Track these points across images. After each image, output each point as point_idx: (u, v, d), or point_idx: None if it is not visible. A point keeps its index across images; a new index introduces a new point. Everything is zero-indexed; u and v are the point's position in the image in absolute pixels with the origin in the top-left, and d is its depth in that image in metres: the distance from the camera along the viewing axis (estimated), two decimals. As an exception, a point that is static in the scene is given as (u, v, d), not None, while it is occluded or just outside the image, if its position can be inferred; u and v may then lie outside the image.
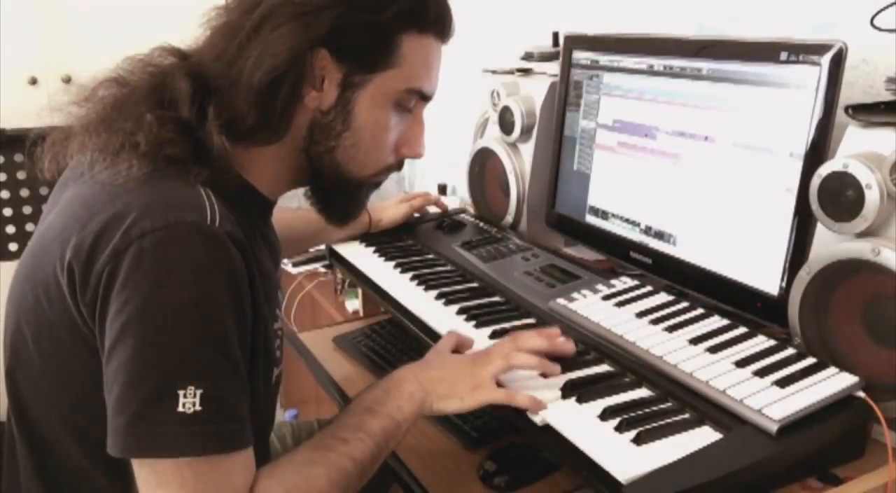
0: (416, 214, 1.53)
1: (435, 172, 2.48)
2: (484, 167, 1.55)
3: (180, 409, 0.70)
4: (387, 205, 1.49)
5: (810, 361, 0.87)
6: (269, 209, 0.94)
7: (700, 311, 1.01)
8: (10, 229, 2.45)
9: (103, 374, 0.73)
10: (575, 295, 1.09)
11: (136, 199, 0.74)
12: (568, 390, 0.89)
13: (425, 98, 0.91)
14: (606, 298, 1.08)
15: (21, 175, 2.42)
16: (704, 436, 0.80)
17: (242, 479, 0.74)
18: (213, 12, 0.87)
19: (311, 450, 0.81)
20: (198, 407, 0.70)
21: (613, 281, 1.13)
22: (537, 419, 0.85)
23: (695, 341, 0.94)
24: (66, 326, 0.76)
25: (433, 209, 1.57)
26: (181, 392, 0.70)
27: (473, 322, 1.08)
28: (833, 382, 0.83)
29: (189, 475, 0.71)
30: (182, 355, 0.71)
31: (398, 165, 0.94)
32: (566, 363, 0.95)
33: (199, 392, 0.70)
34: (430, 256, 1.35)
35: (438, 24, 0.88)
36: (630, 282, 1.12)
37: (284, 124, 0.84)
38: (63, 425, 0.80)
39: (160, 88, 0.83)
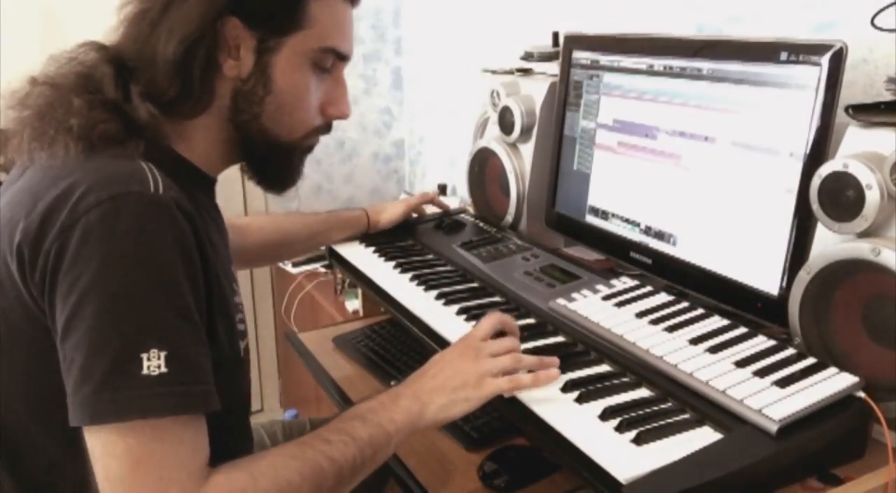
0: (415, 215, 1.53)
1: (435, 172, 2.48)
2: (484, 167, 1.55)
3: (145, 372, 0.70)
4: (385, 206, 1.49)
5: (810, 361, 0.87)
6: (211, 185, 0.95)
7: (700, 311, 1.01)
8: None
9: (59, 351, 0.74)
10: (575, 295, 1.09)
11: (78, 177, 0.75)
12: (568, 390, 0.89)
13: (342, 57, 0.93)
14: (606, 298, 1.08)
15: None
16: (704, 436, 0.80)
17: (190, 454, 0.73)
18: (125, 3, 0.88)
19: (289, 445, 0.80)
20: (163, 369, 0.71)
21: (613, 281, 1.13)
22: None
23: (695, 341, 0.94)
24: (20, 310, 0.76)
25: (432, 209, 1.57)
26: (144, 355, 0.70)
27: (474, 322, 1.08)
28: (833, 382, 0.83)
29: (135, 439, 0.70)
30: (141, 320, 0.71)
31: (326, 127, 0.96)
32: (567, 364, 0.95)
33: (162, 354, 0.71)
34: (430, 256, 1.35)
35: None
36: (630, 282, 1.12)
37: (206, 94, 0.86)
38: (27, 413, 0.80)
39: (86, 78, 0.85)
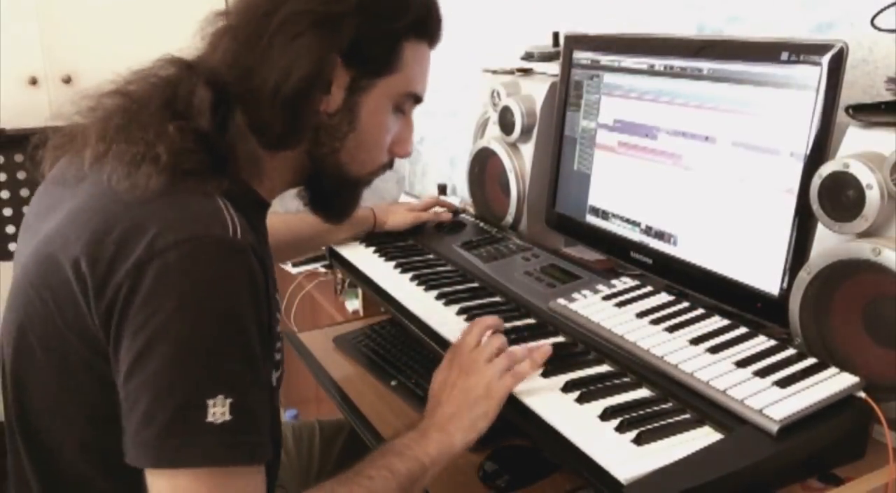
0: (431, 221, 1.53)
1: (435, 172, 2.48)
2: (484, 167, 1.55)
3: (209, 419, 0.70)
4: (394, 209, 1.49)
5: (811, 361, 0.87)
6: (266, 211, 0.95)
7: (700, 311, 1.01)
8: (11, 229, 2.45)
9: (120, 388, 0.73)
10: (575, 295, 1.09)
11: (156, 211, 0.74)
12: (568, 390, 0.89)
13: (419, 101, 0.95)
14: (607, 298, 1.08)
15: (21, 175, 2.42)
16: (705, 436, 0.80)
17: None
18: (214, 18, 0.87)
19: (336, 484, 0.80)
20: (227, 417, 0.70)
21: (614, 281, 1.13)
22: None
23: (695, 341, 0.94)
24: (77, 333, 0.75)
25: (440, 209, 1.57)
26: (210, 402, 0.70)
27: (474, 322, 1.08)
28: (833, 382, 0.83)
29: (206, 486, 0.70)
30: (210, 366, 0.71)
31: (390, 164, 0.97)
32: (567, 364, 0.95)
33: (228, 402, 0.70)
34: (431, 256, 1.35)
35: (436, 32, 0.93)
36: (630, 282, 1.12)
37: (306, 130, 0.86)
38: (67, 431, 0.80)
39: (173, 97, 0.83)
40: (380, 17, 0.84)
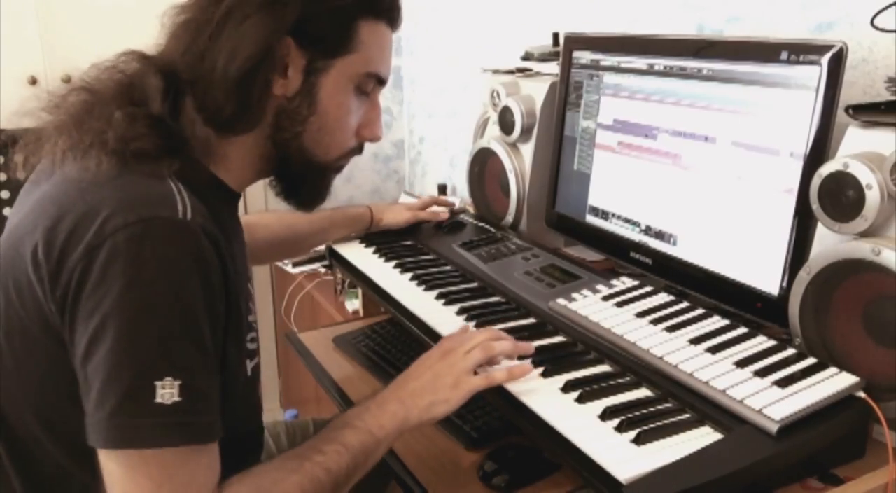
0: (431, 220, 1.53)
1: (435, 172, 2.48)
2: (484, 167, 1.55)
3: (158, 400, 0.71)
4: (392, 207, 1.50)
5: (810, 361, 0.87)
6: (236, 202, 0.95)
7: (700, 311, 1.01)
8: (8, 226, 2.45)
9: (78, 372, 0.74)
10: (575, 295, 1.09)
11: (106, 195, 0.75)
12: (568, 390, 0.89)
13: (382, 82, 0.94)
14: (606, 298, 1.08)
15: (21, 175, 2.42)
16: (705, 436, 0.80)
17: (206, 476, 0.75)
18: (172, 11, 0.88)
19: (287, 459, 0.82)
20: (176, 398, 0.71)
21: (613, 281, 1.13)
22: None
23: (695, 341, 0.94)
24: (38, 323, 0.76)
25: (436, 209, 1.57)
26: (158, 383, 0.71)
27: (474, 322, 1.08)
28: (833, 382, 0.83)
29: (155, 467, 0.72)
30: (159, 348, 0.72)
31: (359, 148, 0.97)
32: (567, 363, 0.95)
33: (176, 383, 0.72)
34: (430, 256, 1.35)
35: (392, 11, 0.92)
36: (630, 282, 1.12)
37: (259, 113, 0.86)
38: (38, 423, 0.81)
39: (129, 88, 0.84)
40: None
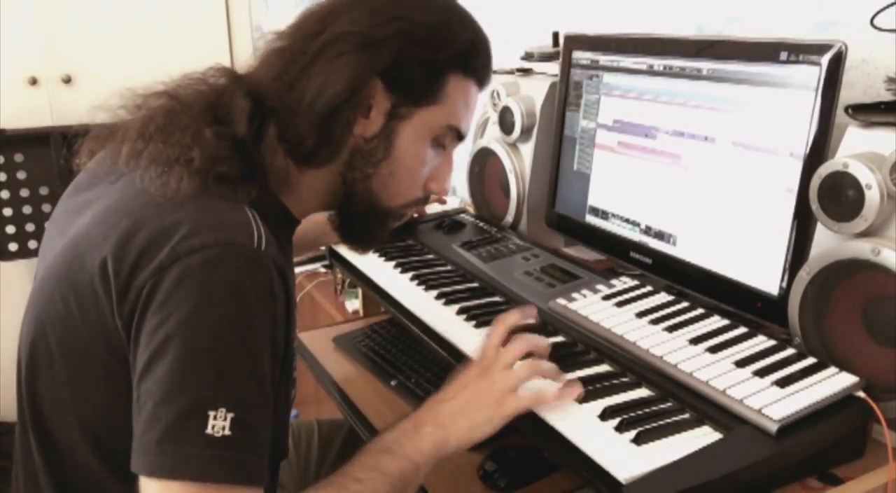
0: (416, 214, 1.53)
1: (435, 172, 2.48)
2: (484, 167, 1.55)
3: (208, 431, 0.68)
4: None
5: (810, 361, 0.87)
6: (294, 229, 0.94)
7: (700, 311, 1.01)
8: (10, 229, 2.46)
9: (133, 389, 0.72)
10: (575, 295, 1.09)
11: (185, 215, 0.74)
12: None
13: (460, 137, 0.94)
14: (606, 298, 1.08)
15: (21, 175, 2.42)
16: (704, 436, 0.80)
17: None
18: (270, 36, 0.88)
19: (323, 488, 0.78)
20: (227, 431, 0.69)
21: (613, 281, 1.13)
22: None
23: (695, 341, 0.94)
24: (99, 336, 0.75)
25: (433, 209, 1.57)
26: (212, 413, 0.69)
27: (473, 322, 1.08)
28: (833, 382, 0.83)
29: None
30: (217, 376, 0.69)
31: (424, 200, 0.98)
32: (567, 363, 0.95)
33: (230, 416, 0.69)
34: (430, 256, 1.35)
35: (483, 71, 0.93)
36: (630, 282, 1.12)
37: (339, 149, 0.86)
38: (80, 431, 0.80)
39: (215, 105, 0.84)
40: (422, 44, 0.85)
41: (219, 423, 0.69)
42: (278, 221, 0.85)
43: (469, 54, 0.90)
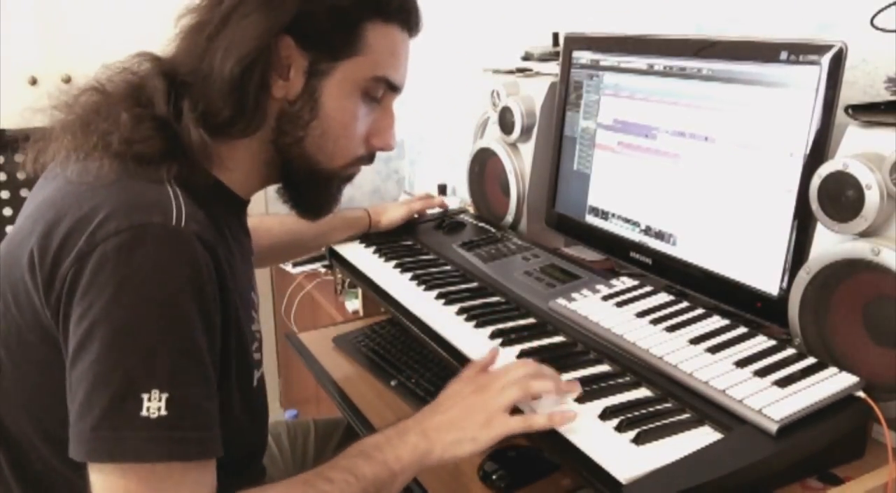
0: (416, 215, 1.53)
1: (435, 172, 2.48)
2: (484, 167, 1.55)
3: (143, 413, 0.68)
4: (387, 206, 1.49)
5: (810, 361, 0.87)
6: (243, 208, 0.93)
7: (700, 311, 1.01)
8: (10, 230, 2.45)
9: (66, 379, 0.72)
10: (575, 295, 1.09)
11: (103, 200, 0.73)
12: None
13: (394, 88, 0.91)
14: (606, 298, 1.08)
15: (21, 175, 2.42)
16: (704, 436, 0.80)
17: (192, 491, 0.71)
18: (184, 13, 0.86)
19: (292, 485, 0.77)
20: (163, 412, 0.68)
21: (613, 281, 1.13)
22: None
23: (695, 341, 0.94)
24: (35, 329, 0.75)
25: (433, 209, 1.57)
26: (145, 396, 0.68)
27: (473, 322, 1.08)
28: (833, 382, 0.83)
29: (136, 482, 0.69)
30: (145, 358, 0.69)
31: (369, 157, 0.94)
32: (567, 363, 0.95)
33: (163, 396, 0.69)
34: (430, 256, 1.35)
35: (402, 13, 0.88)
36: (630, 282, 1.12)
37: (259, 116, 0.84)
38: (34, 428, 0.80)
39: (138, 90, 0.83)
40: None
41: (153, 404, 0.68)
42: (212, 197, 0.83)
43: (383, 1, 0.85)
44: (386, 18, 0.86)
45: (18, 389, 0.79)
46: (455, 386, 0.88)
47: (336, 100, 0.86)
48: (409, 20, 0.90)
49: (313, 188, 0.92)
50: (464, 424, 0.82)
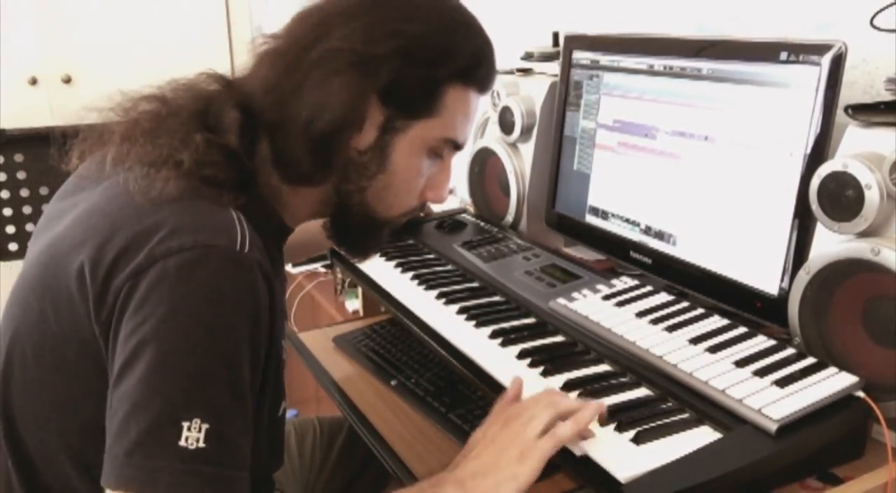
0: (421, 213, 1.53)
1: (435, 172, 2.48)
2: (484, 167, 1.55)
3: (182, 443, 0.65)
4: None
5: (810, 361, 0.87)
6: (286, 237, 0.93)
7: (700, 311, 1.01)
8: (10, 229, 2.45)
9: (108, 397, 0.69)
10: (575, 295, 1.09)
11: (165, 216, 0.71)
12: (568, 390, 0.89)
13: (458, 147, 0.91)
14: (606, 298, 1.08)
15: (21, 175, 2.42)
16: (704, 436, 0.80)
17: None
18: (261, 40, 0.85)
19: None
20: (201, 443, 0.66)
21: (613, 281, 1.13)
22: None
23: (695, 340, 0.94)
24: (75, 342, 0.73)
25: (437, 208, 1.57)
26: (185, 424, 0.65)
27: (473, 322, 1.08)
28: (833, 382, 0.83)
29: None
30: (192, 384, 0.66)
31: (420, 208, 0.95)
32: (566, 363, 0.95)
33: (204, 427, 0.66)
34: (431, 256, 1.35)
35: (485, 79, 0.89)
36: (630, 282, 1.12)
37: (333, 169, 0.84)
38: (57, 443, 0.77)
39: (204, 112, 0.81)
40: (422, 61, 0.82)
41: (193, 434, 0.66)
42: (269, 227, 0.83)
43: (471, 66, 0.86)
44: (468, 83, 0.86)
45: (45, 401, 0.77)
46: (483, 426, 0.84)
47: (405, 157, 0.85)
48: (488, 84, 0.90)
49: (365, 233, 0.92)
50: (499, 464, 0.77)
